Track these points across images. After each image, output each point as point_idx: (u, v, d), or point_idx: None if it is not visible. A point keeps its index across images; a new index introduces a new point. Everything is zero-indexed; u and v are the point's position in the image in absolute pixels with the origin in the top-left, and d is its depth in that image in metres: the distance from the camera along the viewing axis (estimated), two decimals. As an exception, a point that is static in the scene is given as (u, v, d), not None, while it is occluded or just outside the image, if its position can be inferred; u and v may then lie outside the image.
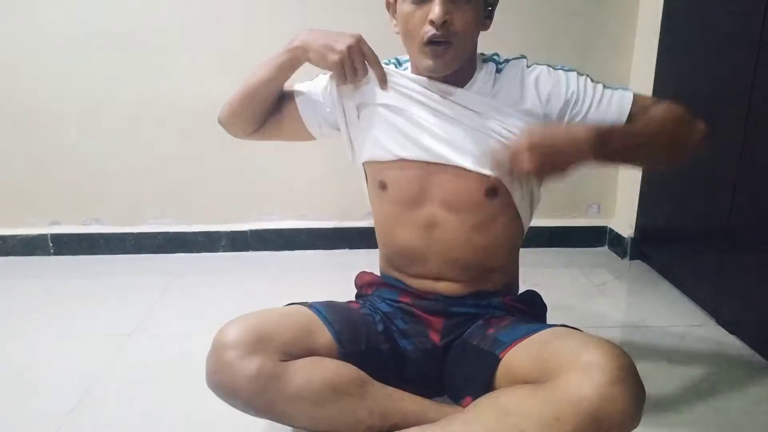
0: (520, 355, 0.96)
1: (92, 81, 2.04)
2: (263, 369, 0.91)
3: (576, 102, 1.04)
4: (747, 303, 1.51)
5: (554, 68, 1.07)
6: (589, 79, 1.07)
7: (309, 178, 2.20)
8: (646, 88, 1.99)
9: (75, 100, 2.05)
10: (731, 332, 1.58)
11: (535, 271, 1.95)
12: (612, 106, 1.04)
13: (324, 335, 1.02)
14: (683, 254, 1.83)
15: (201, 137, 2.13)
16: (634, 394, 0.81)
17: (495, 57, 1.11)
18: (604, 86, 1.07)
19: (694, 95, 1.74)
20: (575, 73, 1.07)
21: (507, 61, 1.10)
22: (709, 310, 1.69)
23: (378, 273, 1.24)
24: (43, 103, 2.05)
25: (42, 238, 2.18)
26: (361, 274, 1.26)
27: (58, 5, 1.96)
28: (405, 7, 0.97)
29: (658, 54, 1.94)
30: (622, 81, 2.14)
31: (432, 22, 0.94)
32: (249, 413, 0.98)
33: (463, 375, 1.06)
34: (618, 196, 2.27)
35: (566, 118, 1.05)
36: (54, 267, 2.11)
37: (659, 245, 2.00)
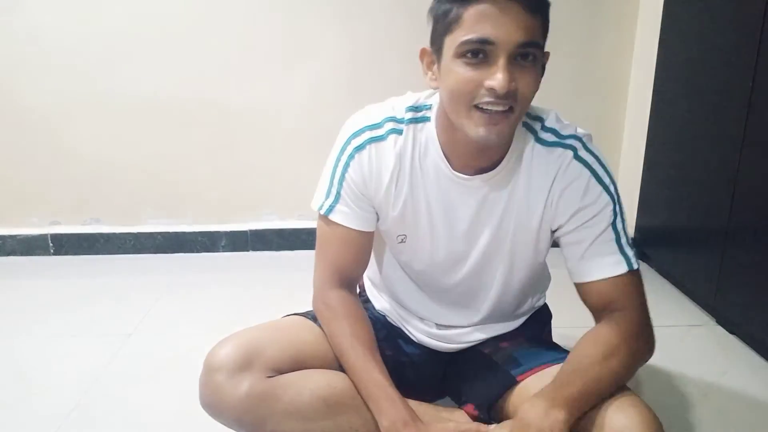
0: (540, 386, 0.89)
1: (92, 81, 2.04)
2: (251, 389, 0.91)
3: (583, 234, 0.92)
4: (747, 303, 1.51)
5: (598, 180, 0.92)
6: (618, 219, 0.92)
7: (309, 178, 2.20)
8: (647, 88, 2.00)
9: (75, 100, 2.05)
10: (731, 332, 1.58)
11: (535, 271, 1.96)
12: (600, 263, 0.92)
13: (320, 346, 1.01)
14: (683, 254, 1.83)
15: (201, 137, 2.13)
16: None
17: (540, 121, 0.93)
18: (617, 237, 0.92)
19: (694, 95, 1.74)
20: (612, 204, 0.92)
21: (556, 134, 0.93)
22: (709, 310, 1.69)
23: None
24: (43, 102, 2.05)
25: (42, 238, 2.18)
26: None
27: (59, 5, 1.96)
28: (458, 68, 0.81)
29: (658, 54, 1.94)
30: (623, 81, 2.14)
31: (493, 90, 0.79)
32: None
33: (471, 382, 1.05)
34: (618, 196, 2.27)
35: (556, 232, 0.96)
36: (54, 267, 2.11)
37: (659, 245, 2.00)
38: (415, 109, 0.96)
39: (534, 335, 1.10)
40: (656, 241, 2.02)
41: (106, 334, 1.58)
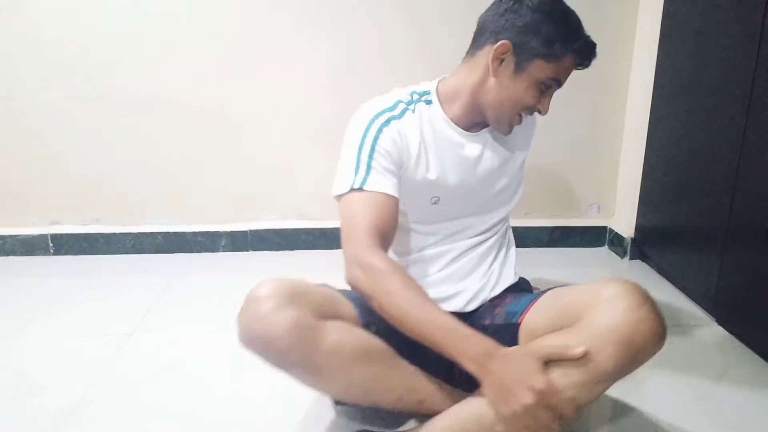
0: (537, 315, 1.02)
1: (92, 81, 2.04)
2: (301, 319, 0.89)
3: None
4: (747, 303, 1.51)
5: None
6: None
7: (309, 178, 2.20)
8: (647, 88, 2.00)
9: (75, 100, 2.05)
10: (731, 332, 1.58)
11: (536, 271, 1.95)
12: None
13: (348, 310, 1.03)
14: (683, 254, 1.83)
15: (201, 137, 2.13)
16: (657, 315, 0.88)
17: None
18: None
19: (694, 95, 1.74)
20: None
21: None
22: (709, 310, 1.69)
23: None
24: (44, 102, 2.05)
25: (42, 238, 2.18)
26: None
27: (59, 6, 1.96)
28: (532, 88, 1.05)
29: (658, 54, 1.94)
30: (623, 81, 2.14)
31: (538, 111, 1.09)
32: (284, 367, 0.93)
33: None
34: (618, 196, 2.27)
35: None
36: (54, 267, 2.11)
37: (659, 245, 2.00)
38: (419, 94, 1.15)
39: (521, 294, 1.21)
40: (656, 241, 2.02)
41: (106, 334, 1.58)
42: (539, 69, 1.03)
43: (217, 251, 2.24)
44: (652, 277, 1.99)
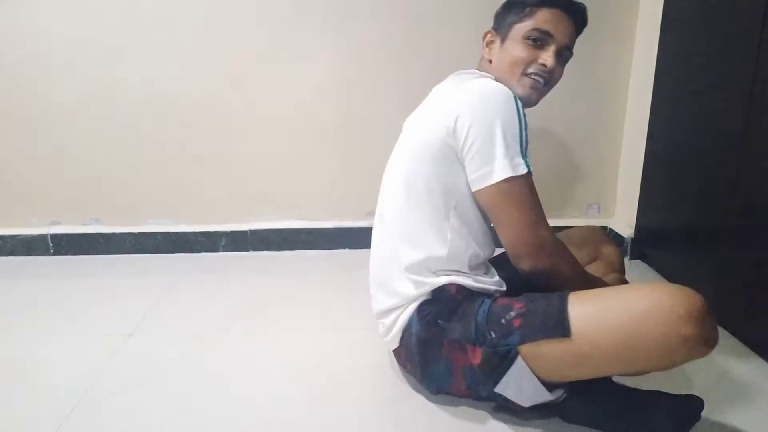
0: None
1: (92, 81, 2.04)
2: None
3: None
4: (747, 304, 1.51)
5: None
6: None
7: (309, 178, 2.20)
8: (647, 88, 2.00)
9: (75, 100, 2.06)
10: (731, 332, 1.58)
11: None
12: None
13: None
14: (683, 254, 1.83)
15: (200, 138, 2.13)
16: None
17: None
18: None
19: (694, 95, 1.74)
20: None
21: None
22: (709, 310, 1.68)
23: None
24: (43, 103, 2.05)
25: (42, 238, 2.18)
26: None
27: (59, 5, 1.96)
28: (522, 46, 1.18)
29: (658, 54, 1.94)
30: (623, 81, 2.15)
31: (544, 66, 1.17)
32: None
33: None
34: (618, 196, 2.27)
35: None
36: (54, 267, 2.11)
37: (659, 245, 2.00)
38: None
39: None
40: (656, 241, 2.02)
41: (106, 334, 1.58)
42: (517, 31, 1.19)
43: (217, 251, 2.24)
44: (652, 277, 1.98)
